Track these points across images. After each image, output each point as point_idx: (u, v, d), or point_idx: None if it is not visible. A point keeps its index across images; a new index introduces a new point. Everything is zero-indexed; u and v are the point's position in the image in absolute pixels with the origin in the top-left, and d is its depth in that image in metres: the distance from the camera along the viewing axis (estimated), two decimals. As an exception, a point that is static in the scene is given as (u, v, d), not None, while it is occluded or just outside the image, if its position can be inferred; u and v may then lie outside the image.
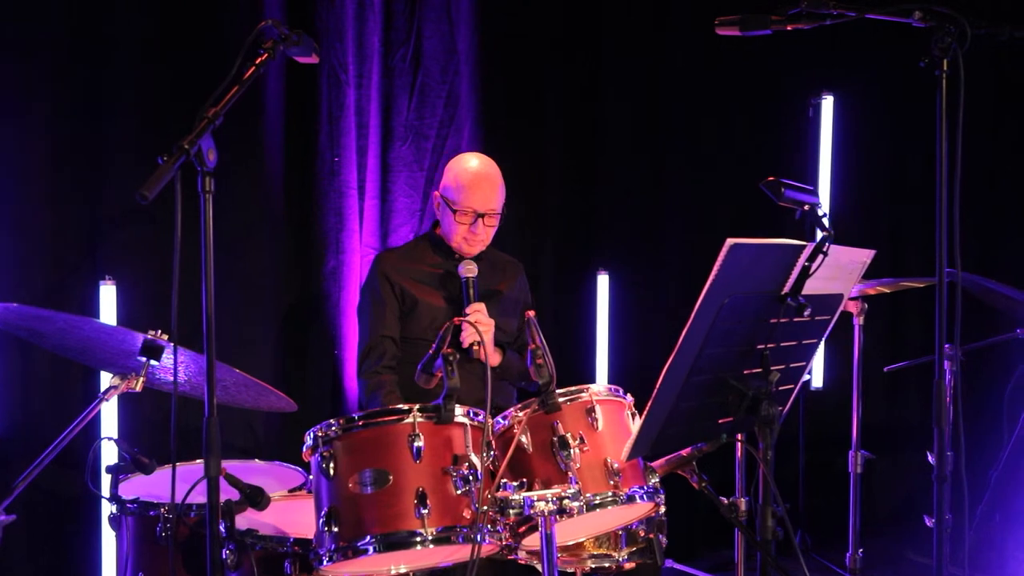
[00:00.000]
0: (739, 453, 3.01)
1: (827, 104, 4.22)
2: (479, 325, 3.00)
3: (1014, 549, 3.54)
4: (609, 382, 4.01)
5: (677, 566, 4.00)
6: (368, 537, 2.12)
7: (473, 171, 3.19)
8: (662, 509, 2.45)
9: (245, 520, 2.39)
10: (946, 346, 3.10)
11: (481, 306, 3.07)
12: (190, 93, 3.34)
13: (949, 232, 2.32)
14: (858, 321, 3.36)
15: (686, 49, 4.28)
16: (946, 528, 2.93)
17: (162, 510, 2.47)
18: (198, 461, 2.71)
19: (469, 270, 3.11)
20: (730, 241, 2.02)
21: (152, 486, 2.60)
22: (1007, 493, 3.51)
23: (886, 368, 3.62)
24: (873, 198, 4.54)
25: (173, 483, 2.12)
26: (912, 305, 4.41)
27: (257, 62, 2.14)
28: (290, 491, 2.70)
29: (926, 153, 4.40)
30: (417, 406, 2.19)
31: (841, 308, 2.48)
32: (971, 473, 2.37)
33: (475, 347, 2.97)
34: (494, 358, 3.12)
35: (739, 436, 2.77)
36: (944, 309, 2.33)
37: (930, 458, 3.19)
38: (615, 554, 2.51)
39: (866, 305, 3.37)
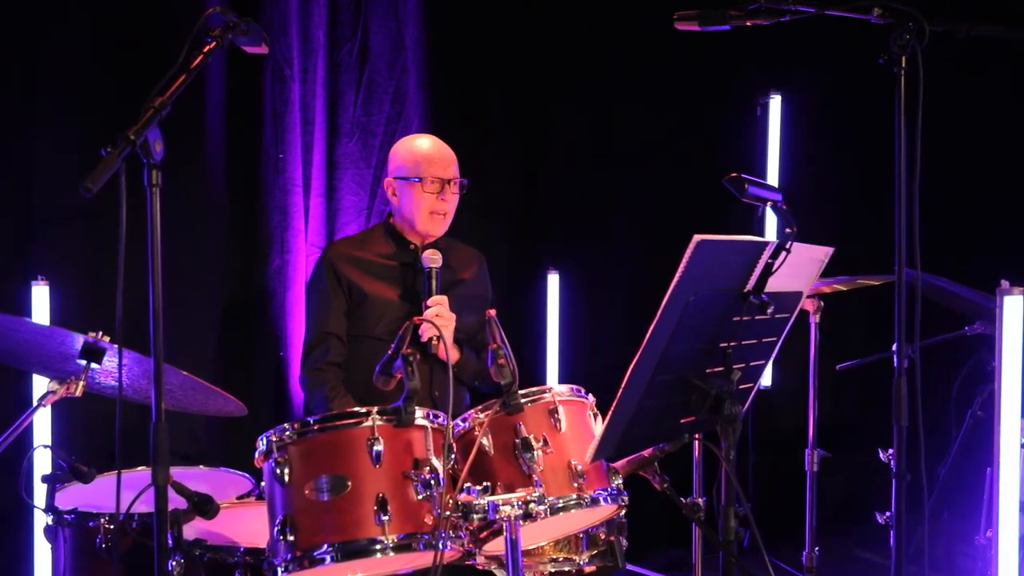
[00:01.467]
0: (696, 453, 2.99)
1: (775, 103, 4.24)
2: (440, 319, 2.90)
3: (962, 546, 3.59)
4: (559, 381, 3.99)
5: (628, 566, 3.98)
6: (325, 546, 2.04)
7: (427, 143, 3.15)
8: (623, 511, 2.41)
9: (192, 529, 2.29)
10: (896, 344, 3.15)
11: (443, 299, 2.96)
12: (128, 85, 3.23)
13: (908, 231, 2.31)
14: (814, 319, 3.36)
15: (636, 48, 4.26)
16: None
17: (102, 520, 2.37)
18: (140, 468, 2.63)
19: (433, 260, 2.97)
20: (697, 237, 1.99)
21: (91, 495, 2.49)
22: (955, 490, 3.55)
23: (838, 367, 3.63)
24: (820, 196, 4.58)
25: (118, 492, 2.02)
26: (855, 303, 4.46)
27: (205, 50, 2.06)
28: (238, 498, 2.61)
29: (873, 151, 4.44)
30: (376, 408, 2.11)
31: (800, 306, 2.48)
32: (914, 470, 2.37)
33: (434, 342, 2.87)
34: (452, 354, 2.99)
35: (697, 436, 2.75)
36: (904, 307, 2.32)
37: (881, 455, 3.20)
38: (576, 557, 2.46)
39: (822, 303, 3.37)
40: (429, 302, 2.93)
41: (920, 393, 2.37)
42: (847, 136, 4.56)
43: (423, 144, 3.14)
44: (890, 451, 3.16)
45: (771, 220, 4.23)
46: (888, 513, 3.19)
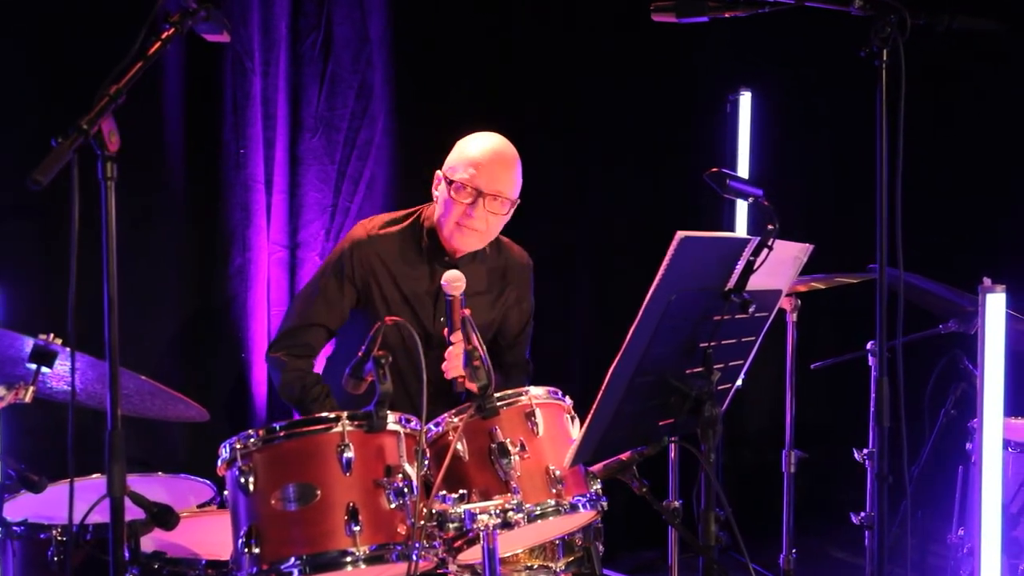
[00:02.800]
0: (673, 455, 2.93)
1: (745, 100, 4.20)
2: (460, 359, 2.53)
3: (935, 545, 3.57)
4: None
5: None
6: (293, 559, 1.95)
7: (487, 145, 2.77)
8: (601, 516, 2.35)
9: (151, 541, 2.20)
10: (871, 343, 3.12)
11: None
12: (77, 74, 3.11)
13: (890, 229, 2.27)
14: (791, 318, 3.32)
15: (604, 45, 4.21)
16: (873, 524, 2.93)
17: (54, 532, 2.27)
18: (95, 476, 2.52)
19: (455, 287, 2.57)
20: (680, 234, 1.93)
21: (42, 506, 2.38)
22: (928, 489, 3.53)
23: (813, 366, 3.60)
24: (790, 194, 4.56)
25: (71, 502, 1.91)
26: (822, 303, 4.45)
27: (163, 37, 1.95)
28: (199, 506, 2.51)
29: (843, 148, 4.44)
30: (346, 413, 2.02)
31: (779, 304, 2.43)
32: (895, 470, 2.34)
33: (459, 379, 2.61)
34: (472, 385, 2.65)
35: (674, 438, 2.69)
36: (885, 307, 2.28)
37: (856, 455, 3.17)
38: (552, 565, 2.39)
39: (799, 302, 3.33)
40: (453, 339, 2.61)
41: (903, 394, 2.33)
42: (817, 133, 4.55)
43: (478, 145, 2.79)
44: (865, 451, 3.14)
45: (742, 218, 4.20)
46: (863, 514, 3.16)
